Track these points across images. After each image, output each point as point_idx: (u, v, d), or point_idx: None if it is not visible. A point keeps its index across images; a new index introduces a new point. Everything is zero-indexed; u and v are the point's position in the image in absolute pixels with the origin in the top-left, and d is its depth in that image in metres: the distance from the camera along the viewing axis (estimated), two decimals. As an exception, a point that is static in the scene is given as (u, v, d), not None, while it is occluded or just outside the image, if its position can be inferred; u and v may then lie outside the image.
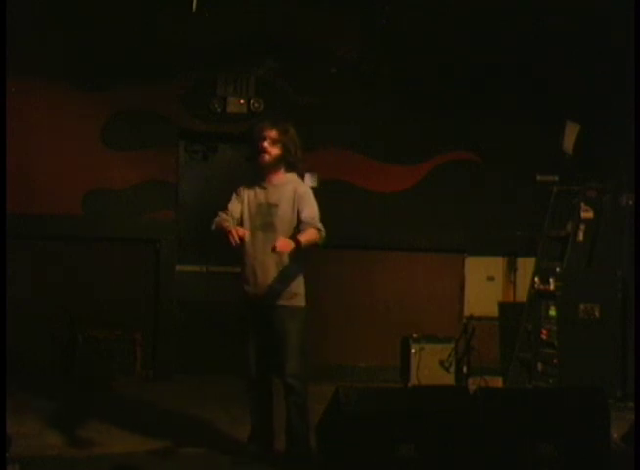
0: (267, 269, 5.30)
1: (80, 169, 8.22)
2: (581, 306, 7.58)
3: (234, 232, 5.20)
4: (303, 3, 8.32)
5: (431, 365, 8.03)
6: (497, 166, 8.89)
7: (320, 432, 5.06)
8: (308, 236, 5.20)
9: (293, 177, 5.47)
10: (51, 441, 5.85)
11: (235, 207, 5.45)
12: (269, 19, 8.30)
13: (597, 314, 7.57)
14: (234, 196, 5.50)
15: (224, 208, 5.47)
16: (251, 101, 8.47)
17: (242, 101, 8.47)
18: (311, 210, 5.36)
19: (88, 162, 8.24)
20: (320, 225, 5.32)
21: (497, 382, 7.98)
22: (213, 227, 5.44)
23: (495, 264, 9.03)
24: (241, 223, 5.42)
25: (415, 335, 8.15)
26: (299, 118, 6.81)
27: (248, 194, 5.46)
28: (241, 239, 5.21)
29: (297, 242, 5.12)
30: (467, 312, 8.66)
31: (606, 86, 8.45)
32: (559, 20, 8.25)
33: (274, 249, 5.08)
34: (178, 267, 8.48)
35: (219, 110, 8.45)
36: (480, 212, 8.83)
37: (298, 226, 5.31)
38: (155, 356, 8.28)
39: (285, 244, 5.10)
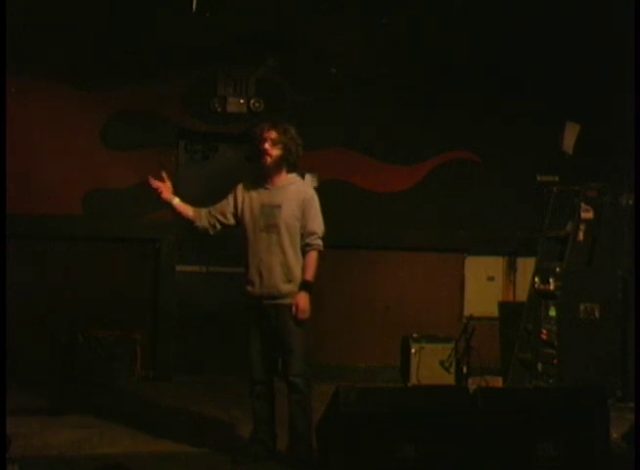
0: (272, 270, 5.31)
1: (80, 169, 8.21)
2: (581, 306, 7.57)
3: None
4: (303, 3, 8.31)
5: (431, 365, 8.02)
6: (497, 166, 8.89)
7: (320, 432, 5.06)
8: (312, 267, 5.33)
9: (295, 178, 5.49)
10: (51, 441, 5.85)
11: (224, 205, 5.52)
12: (269, 19, 8.30)
13: (597, 314, 7.57)
14: (228, 196, 5.56)
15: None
16: (251, 101, 8.46)
17: (242, 101, 8.46)
18: (315, 223, 5.39)
19: (88, 162, 8.24)
20: (320, 242, 5.38)
21: (497, 382, 7.97)
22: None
23: (495, 264, 9.02)
24: (243, 225, 5.44)
25: (415, 335, 8.15)
26: (299, 118, 6.82)
27: (249, 195, 5.46)
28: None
29: (308, 285, 5.29)
30: (467, 312, 8.63)
31: (606, 86, 8.45)
32: (559, 20, 8.25)
33: (297, 318, 5.27)
34: (178, 267, 8.47)
35: (219, 110, 8.45)
36: (480, 212, 8.82)
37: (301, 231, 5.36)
38: (155, 356, 8.27)
39: (303, 309, 5.27)
